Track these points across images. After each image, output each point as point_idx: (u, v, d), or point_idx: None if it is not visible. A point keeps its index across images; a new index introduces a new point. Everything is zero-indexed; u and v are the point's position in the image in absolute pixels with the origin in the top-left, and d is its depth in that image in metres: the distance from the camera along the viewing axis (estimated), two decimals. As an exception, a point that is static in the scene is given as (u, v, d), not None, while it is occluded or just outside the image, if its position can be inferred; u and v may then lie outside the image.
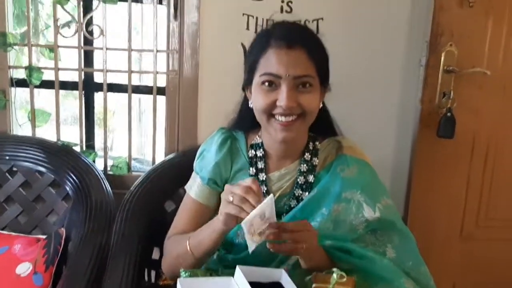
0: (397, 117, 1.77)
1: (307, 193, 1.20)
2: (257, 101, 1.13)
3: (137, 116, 3.12)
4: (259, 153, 1.24)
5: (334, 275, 1.00)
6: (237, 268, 1.02)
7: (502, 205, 1.74)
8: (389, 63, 1.73)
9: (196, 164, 1.29)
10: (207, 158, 1.26)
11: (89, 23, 1.73)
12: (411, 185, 1.73)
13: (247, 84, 1.18)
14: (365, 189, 1.18)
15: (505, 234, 1.76)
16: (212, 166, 1.24)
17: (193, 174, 1.30)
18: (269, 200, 0.98)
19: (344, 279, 1.00)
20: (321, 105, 1.18)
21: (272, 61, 1.09)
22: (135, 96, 1.97)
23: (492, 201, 1.74)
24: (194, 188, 1.26)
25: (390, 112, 1.77)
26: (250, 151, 1.25)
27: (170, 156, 1.72)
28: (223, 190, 1.24)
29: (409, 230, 1.24)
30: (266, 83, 1.10)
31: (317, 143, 1.25)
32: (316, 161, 1.23)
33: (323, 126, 1.24)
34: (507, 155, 1.71)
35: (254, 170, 1.23)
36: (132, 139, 1.85)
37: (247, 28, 1.69)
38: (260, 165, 1.23)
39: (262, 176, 1.22)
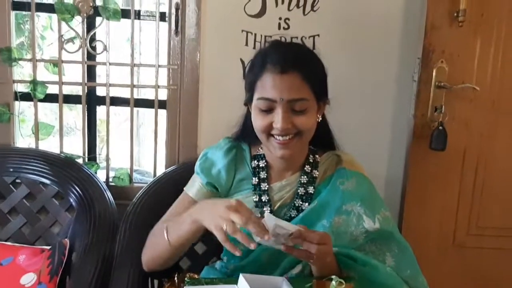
0: (391, 130, 1.82)
1: (307, 204, 1.25)
2: (255, 122, 1.19)
3: (136, 129, 3.16)
4: (262, 163, 1.29)
5: (333, 282, 1.04)
6: (241, 276, 1.06)
7: (492, 215, 1.79)
8: (383, 79, 1.78)
9: (198, 165, 1.33)
10: (210, 160, 1.31)
11: (93, 38, 1.78)
12: (405, 195, 1.78)
13: (248, 101, 1.23)
14: (365, 201, 1.23)
15: (495, 242, 1.80)
16: (214, 170, 1.29)
17: (193, 175, 1.34)
18: (267, 216, 1.03)
19: (343, 286, 1.04)
20: (320, 118, 1.23)
21: (267, 86, 1.14)
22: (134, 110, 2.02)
23: (482, 211, 1.78)
24: (194, 187, 1.31)
25: (384, 126, 1.82)
26: (253, 161, 1.30)
27: (171, 168, 1.75)
28: (223, 195, 1.29)
29: (406, 241, 1.28)
30: (263, 107, 1.16)
31: (317, 156, 1.30)
32: (316, 173, 1.28)
33: (322, 139, 1.29)
34: (497, 166, 1.77)
35: (257, 180, 1.28)
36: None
37: (246, 44, 1.75)
38: (263, 175, 1.28)
39: (264, 186, 1.27)
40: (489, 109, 1.73)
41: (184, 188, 1.35)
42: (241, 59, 1.74)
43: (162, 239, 1.18)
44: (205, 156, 1.34)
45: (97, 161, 1.88)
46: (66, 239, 1.58)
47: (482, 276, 1.82)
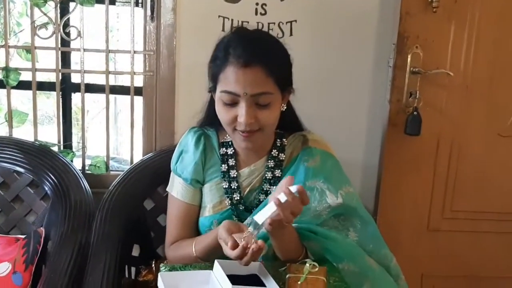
0: (367, 116, 1.83)
1: (274, 187, 1.26)
2: (220, 115, 1.19)
3: (113, 116, 3.13)
4: (230, 151, 1.30)
5: (307, 265, 1.06)
6: (216, 262, 1.07)
7: (466, 199, 1.82)
8: (359, 65, 1.79)
9: (175, 166, 1.33)
10: (186, 160, 1.31)
11: (67, 24, 1.75)
12: (380, 181, 1.79)
13: (212, 90, 1.22)
14: (328, 177, 1.24)
15: (469, 226, 1.84)
16: (192, 167, 1.29)
17: (173, 176, 1.34)
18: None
19: (317, 269, 1.06)
20: (285, 107, 1.23)
21: (230, 79, 1.13)
22: (110, 97, 2.00)
23: (456, 195, 1.81)
24: (178, 189, 1.31)
25: (360, 112, 1.82)
26: (221, 149, 1.30)
27: (148, 155, 1.74)
28: (202, 185, 1.30)
29: (371, 216, 1.31)
30: (226, 100, 1.15)
31: (284, 139, 1.31)
32: (282, 156, 1.29)
33: (289, 123, 1.29)
34: (470, 151, 1.79)
35: (226, 167, 1.28)
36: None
37: (223, 30, 1.73)
38: (231, 162, 1.29)
39: (233, 173, 1.28)
40: (463, 94, 1.75)
41: (168, 189, 1.35)
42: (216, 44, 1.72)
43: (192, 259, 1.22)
44: (180, 155, 1.33)
45: (73, 149, 1.85)
46: (41, 228, 1.57)
47: (456, 259, 1.86)
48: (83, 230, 1.52)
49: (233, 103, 1.15)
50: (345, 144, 1.76)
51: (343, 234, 1.24)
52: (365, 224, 1.27)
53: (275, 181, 1.27)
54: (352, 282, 1.15)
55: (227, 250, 1.03)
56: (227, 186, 1.28)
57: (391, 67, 1.74)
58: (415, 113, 1.69)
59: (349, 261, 1.16)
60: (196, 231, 1.33)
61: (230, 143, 1.30)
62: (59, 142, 1.81)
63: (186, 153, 1.31)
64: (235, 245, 1.01)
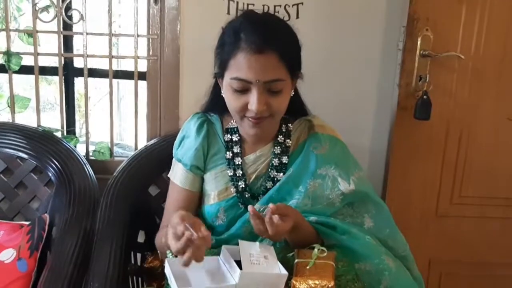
0: (375, 100, 1.79)
1: (281, 174, 1.24)
2: (229, 102, 1.16)
3: (116, 102, 3.10)
4: (235, 137, 1.27)
5: (315, 250, 1.04)
6: (223, 247, 1.05)
7: (475, 184, 1.79)
8: (367, 48, 1.75)
9: (176, 152, 1.31)
10: (187, 145, 1.29)
11: (69, 7, 1.71)
12: (389, 166, 1.77)
13: (219, 76, 1.19)
14: (339, 163, 1.23)
15: (476, 211, 1.81)
16: (192, 152, 1.27)
17: (174, 161, 1.32)
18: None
19: (325, 254, 1.04)
20: (293, 92, 1.20)
21: (242, 66, 1.09)
22: (114, 81, 1.97)
23: (465, 180, 1.79)
24: (178, 175, 1.29)
25: (369, 96, 1.79)
26: (226, 135, 1.27)
27: (153, 141, 1.72)
28: (203, 173, 1.28)
29: (382, 200, 1.29)
30: (237, 87, 1.12)
31: (289, 125, 1.28)
32: (289, 142, 1.26)
33: (294, 108, 1.26)
34: (480, 136, 1.76)
35: (231, 154, 1.26)
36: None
37: (228, 13, 1.69)
38: (236, 149, 1.26)
39: (238, 160, 1.25)
40: (474, 78, 1.72)
41: (169, 176, 1.33)
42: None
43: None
44: (181, 141, 1.31)
45: (77, 134, 1.83)
46: (45, 214, 1.55)
47: (464, 244, 1.84)
48: (87, 216, 1.50)
49: (243, 90, 1.12)
50: (353, 129, 1.74)
51: (359, 221, 1.22)
52: (379, 209, 1.26)
53: (281, 167, 1.25)
54: (368, 281, 1.13)
55: (170, 239, 0.95)
56: (232, 174, 1.25)
57: (400, 50, 1.70)
58: (424, 97, 1.65)
59: (367, 261, 1.15)
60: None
61: (235, 129, 1.27)
62: (62, 127, 1.79)
63: (188, 139, 1.29)
64: (179, 235, 0.93)
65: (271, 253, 1.05)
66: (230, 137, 1.27)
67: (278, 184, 1.22)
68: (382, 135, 1.81)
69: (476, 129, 1.76)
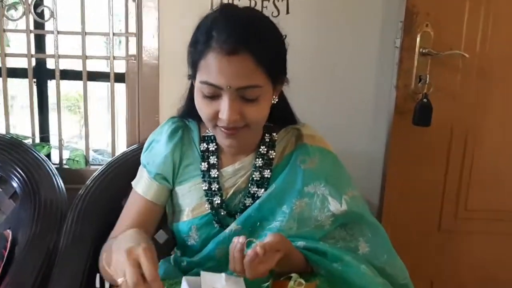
0: (371, 103, 1.68)
1: (263, 190, 1.10)
2: (199, 109, 1.03)
3: (107, 105, 2.98)
4: (211, 146, 1.13)
5: (291, 282, 0.90)
6: (183, 279, 0.94)
7: (482, 196, 1.67)
8: (362, 46, 1.63)
9: (143, 156, 1.18)
10: (155, 150, 1.15)
11: (38, 4, 1.59)
12: (386, 176, 1.67)
13: (192, 78, 1.06)
14: (329, 180, 1.09)
15: (485, 227, 1.69)
16: (160, 160, 1.13)
17: (140, 167, 1.19)
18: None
19: (303, 287, 0.90)
20: (276, 99, 1.06)
21: (211, 69, 0.96)
22: (95, 84, 1.86)
23: (471, 192, 1.67)
24: (141, 183, 1.15)
25: (364, 99, 1.67)
26: (202, 144, 1.14)
27: (131, 148, 1.59)
28: (173, 186, 1.15)
29: (378, 222, 1.16)
30: (207, 93, 0.98)
31: (274, 134, 1.14)
32: (273, 154, 1.13)
33: (280, 115, 1.13)
34: (487, 143, 1.64)
35: (206, 165, 1.12)
36: (96, 129, 1.73)
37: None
38: (212, 160, 1.13)
39: (214, 173, 1.12)
40: (480, 78, 1.60)
41: (132, 183, 1.19)
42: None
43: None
44: (150, 145, 1.18)
45: (50, 141, 1.72)
46: (8, 230, 1.42)
47: (470, 263, 1.72)
48: (52, 233, 1.37)
49: (214, 96, 0.98)
50: (347, 134, 1.64)
51: (352, 246, 1.09)
52: (376, 232, 1.12)
53: (263, 182, 1.11)
54: None
55: (114, 275, 0.84)
56: (206, 188, 1.12)
57: (398, 47, 1.59)
58: (424, 100, 1.54)
59: None
60: (151, 235, 1.19)
61: (212, 137, 1.14)
62: (33, 134, 1.67)
63: (157, 143, 1.16)
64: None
65: (240, 286, 0.91)
66: (206, 146, 1.14)
67: (258, 201, 1.09)
68: (379, 141, 1.70)
69: (483, 134, 1.64)
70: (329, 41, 1.62)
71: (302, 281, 0.90)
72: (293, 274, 0.93)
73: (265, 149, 1.12)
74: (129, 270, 0.79)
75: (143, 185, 1.15)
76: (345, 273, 1.02)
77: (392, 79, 1.63)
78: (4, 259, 1.35)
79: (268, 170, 1.11)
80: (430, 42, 1.54)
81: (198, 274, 1.09)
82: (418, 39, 1.54)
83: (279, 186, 1.08)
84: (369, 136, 1.70)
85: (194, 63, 1.02)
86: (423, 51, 1.55)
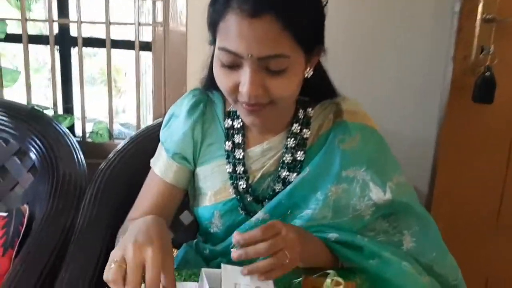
0: (423, 77, 1.56)
1: (295, 174, 0.97)
2: (218, 79, 0.89)
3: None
4: (237, 123, 1.00)
5: (328, 281, 0.77)
6: (202, 271, 0.81)
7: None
8: (414, 11, 1.51)
9: (162, 132, 1.07)
10: (174, 126, 1.04)
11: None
12: (437, 161, 1.54)
13: (211, 43, 0.92)
14: (372, 163, 0.95)
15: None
16: (179, 137, 1.01)
17: (159, 144, 1.08)
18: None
19: (341, 287, 0.77)
20: (310, 72, 0.91)
21: (231, 33, 0.82)
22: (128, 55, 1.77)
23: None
24: (160, 163, 1.04)
25: (415, 72, 1.55)
26: (226, 120, 1.01)
27: (156, 121, 1.46)
28: (194, 167, 1.03)
29: (427, 213, 1.02)
30: (226, 61, 0.85)
31: (309, 109, 1.00)
32: (307, 133, 0.99)
33: (317, 88, 0.98)
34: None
35: (231, 145, 1.00)
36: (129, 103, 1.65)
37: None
38: (238, 138, 0.99)
39: (239, 153, 0.99)
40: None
41: (151, 162, 1.08)
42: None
43: None
44: (169, 120, 1.06)
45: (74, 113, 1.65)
46: (25, 205, 1.35)
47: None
48: (70, 210, 1.29)
49: (234, 65, 0.85)
50: (394, 112, 1.53)
51: (395, 240, 0.96)
52: (424, 225, 0.98)
53: (295, 165, 0.98)
54: None
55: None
56: (231, 170, 1.00)
57: (456, 13, 1.47)
58: (487, 73, 1.43)
59: None
60: (169, 220, 1.07)
61: (238, 113, 1.00)
62: (54, 105, 1.60)
63: (176, 119, 1.04)
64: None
65: (267, 282, 0.78)
66: (231, 122, 1.01)
67: (289, 187, 0.96)
68: (431, 120, 1.58)
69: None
70: (374, 8, 1.50)
71: (341, 279, 0.78)
72: (330, 271, 0.80)
73: (298, 128, 0.98)
74: (131, 269, 0.71)
75: (161, 166, 1.04)
76: (383, 271, 0.89)
77: (449, 49, 1.51)
78: (21, 236, 1.28)
79: (301, 152, 0.98)
80: (495, 7, 1.43)
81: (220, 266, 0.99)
82: (480, 3, 1.42)
83: (314, 170, 0.95)
84: (419, 115, 1.58)
85: (213, 26, 0.88)
86: (487, 17, 1.44)
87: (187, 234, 1.29)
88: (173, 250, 1.17)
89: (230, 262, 0.90)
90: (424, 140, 1.58)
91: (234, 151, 0.99)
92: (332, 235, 0.92)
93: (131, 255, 0.72)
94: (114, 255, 0.74)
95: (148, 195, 1.04)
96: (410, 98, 1.57)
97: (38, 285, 1.15)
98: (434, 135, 1.58)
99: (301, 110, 0.99)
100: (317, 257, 0.89)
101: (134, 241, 0.73)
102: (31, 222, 1.31)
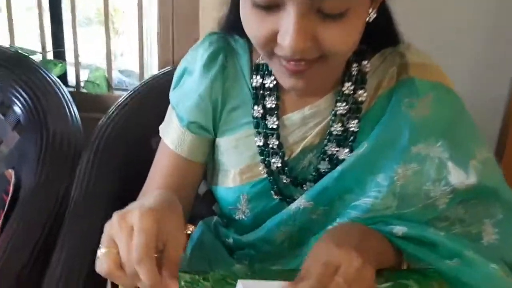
0: (495, 20, 1.33)
1: (347, 150, 0.74)
2: (247, 25, 0.65)
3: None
4: (269, 81, 0.75)
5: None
6: (239, 283, 0.61)
7: None
8: None
9: (172, 93, 0.83)
10: (186, 86, 0.79)
11: None
12: (508, 121, 1.29)
13: None
14: (450, 136, 0.72)
15: None
16: (193, 101, 0.77)
17: (169, 108, 0.84)
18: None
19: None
20: (374, 14, 0.66)
21: None
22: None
23: None
24: (171, 132, 0.81)
25: (485, 14, 1.34)
26: (255, 76, 0.76)
27: (163, 70, 1.26)
28: (214, 136, 0.80)
29: None
30: (261, 1, 0.60)
31: (365, 62, 0.74)
32: (363, 95, 0.73)
33: (376, 33, 0.71)
34: None
35: (261, 110, 0.76)
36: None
37: None
38: (270, 102, 0.75)
39: (272, 121, 0.75)
40: None
41: (160, 130, 0.85)
42: None
43: None
44: (181, 76, 0.81)
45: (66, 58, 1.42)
46: (10, 170, 1.15)
47: None
48: (63, 176, 1.10)
49: (272, 6, 0.60)
50: (459, 63, 1.30)
51: (474, 232, 0.73)
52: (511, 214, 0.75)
53: (347, 138, 0.74)
54: None
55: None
56: (262, 143, 0.76)
57: None
58: None
59: None
60: (189, 202, 0.85)
61: (272, 70, 0.75)
62: (43, 49, 1.36)
63: (190, 76, 0.79)
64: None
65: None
66: (261, 80, 0.76)
67: (339, 168, 0.73)
68: (503, 81, 1.37)
69: None
70: None
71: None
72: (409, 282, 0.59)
73: (352, 87, 0.73)
74: (122, 244, 0.54)
75: (173, 136, 0.80)
76: (465, 275, 0.69)
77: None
78: (6, 207, 1.09)
79: (356, 120, 0.74)
80: None
81: (252, 257, 0.80)
82: None
83: (373, 145, 0.72)
84: (490, 66, 1.35)
85: None
86: None
87: (202, 206, 1.09)
88: (188, 226, 0.98)
89: (259, 254, 0.79)
90: (493, 97, 1.35)
91: (266, 119, 0.76)
92: (399, 229, 0.70)
93: (116, 226, 0.54)
94: (101, 242, 0.56)
95: (160, 172, 0.82)
96: (480, 46, 1.35)
97: (29, 265, 0.99)
98: (507, 90, 1.35)
99: (355, 64, 0.73)
100: (379, 257, 0.67)
101: (118, 212, 0.56)
102: (17, 190, 1.12)
